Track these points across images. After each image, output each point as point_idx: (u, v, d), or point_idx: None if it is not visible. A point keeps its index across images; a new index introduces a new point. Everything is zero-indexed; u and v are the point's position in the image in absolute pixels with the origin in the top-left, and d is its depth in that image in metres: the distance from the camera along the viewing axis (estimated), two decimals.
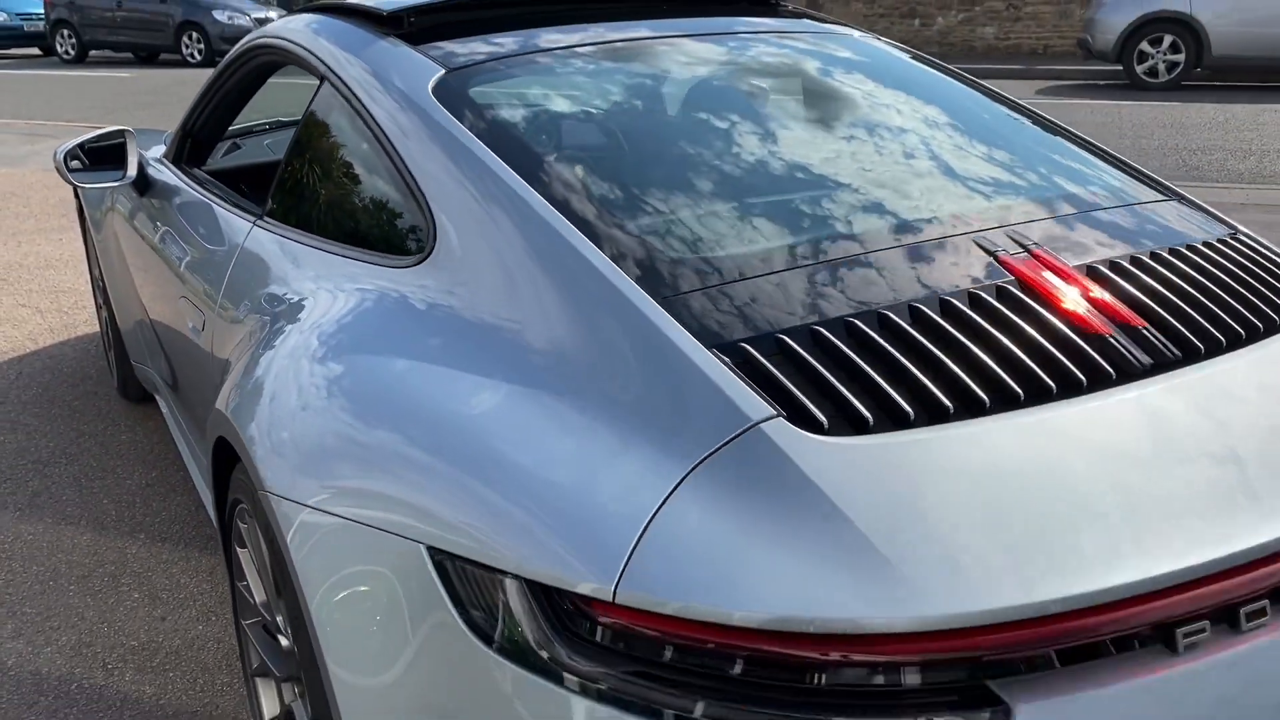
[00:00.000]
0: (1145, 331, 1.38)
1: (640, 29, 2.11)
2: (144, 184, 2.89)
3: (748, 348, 1.28)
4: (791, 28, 2.30)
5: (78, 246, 5.82)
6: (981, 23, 14.91)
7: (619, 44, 2.03)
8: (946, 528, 1.08)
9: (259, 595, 1.79)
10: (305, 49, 2.17)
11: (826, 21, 2.46)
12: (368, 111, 1.86)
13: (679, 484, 1.15)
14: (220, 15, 17.04)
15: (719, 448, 1.17)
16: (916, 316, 1.35)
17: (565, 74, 1.92)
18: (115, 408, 3.72)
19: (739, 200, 1.60)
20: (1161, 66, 11.10)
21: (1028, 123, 2.07)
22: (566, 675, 1.10)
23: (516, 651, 1.14)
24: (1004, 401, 1.24)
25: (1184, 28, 10.82)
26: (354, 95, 1.92)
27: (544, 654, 1.12)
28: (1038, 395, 1.25)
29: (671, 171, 1.65)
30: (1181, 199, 1.86)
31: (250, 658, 1.91)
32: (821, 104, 1.94)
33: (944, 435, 1.18)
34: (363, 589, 1.30)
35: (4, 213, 6.72)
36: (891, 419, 1.20)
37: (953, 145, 1.87)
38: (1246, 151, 7.87)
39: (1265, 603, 1.12)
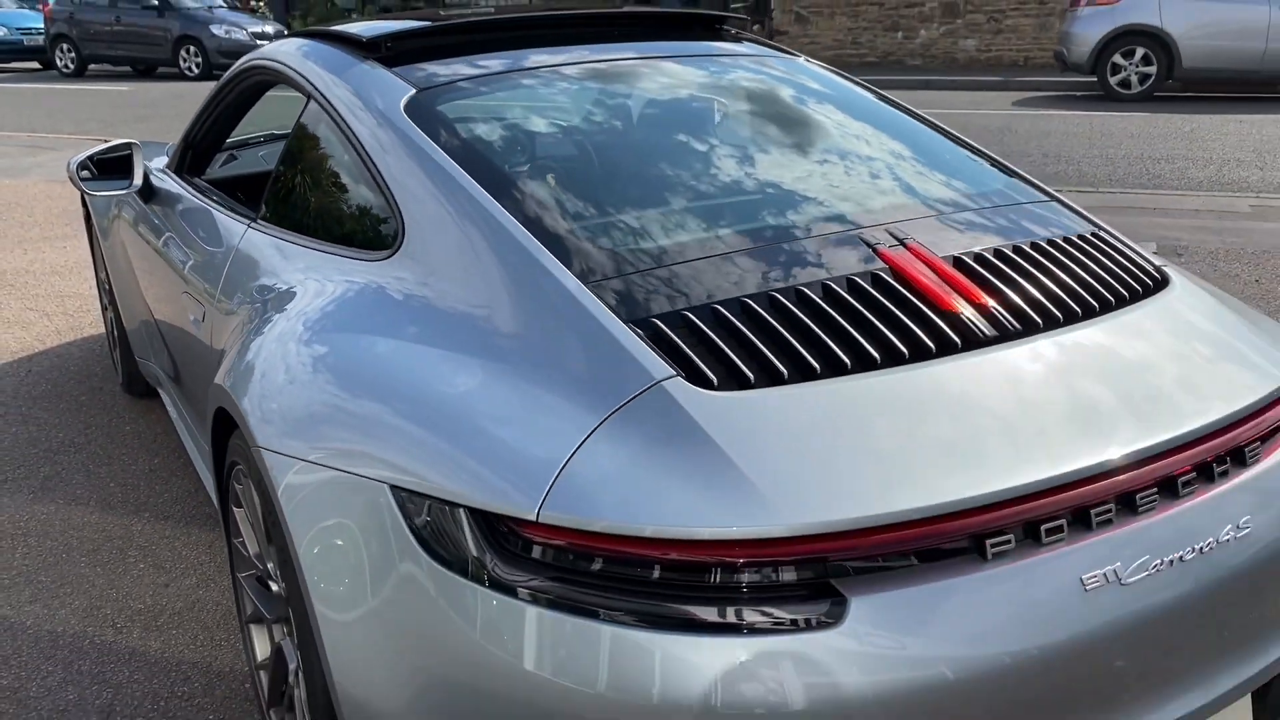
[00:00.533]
0: (992, 309, 1.65)
1: (592, 53, 2.38)
2: (149, 192, 3.16)
3: (657, 322, 1.55)
4: (734, 51, 2.58)
5: (82, 254, 6.08)
6: (963, 35, 15.24)
7: (571, 66, 2.30)
8: (804, 460, 1.35)
9: (253, 548, 2.05)
10: (294, 70, 2.44)
11: (768, 46, 2.73)
12: (348, 126, 2.13)
13: (594, 430, 1.41)
14: (218, 30, 17.34)
15: (628, 401, 1.44)
16: (800, 298, 1.62)
17: (520, 93, 2.19)
18: (120, 402, 3.99)
19: (661, 200, 1.87)
20: (1134, 78, 11.41)
21: (931, 134, 2.34)
22: (505, 585, 1.36)
23: (465, 568, 1.40)
24: (863, 364, 1.50)
25: (1155, 41, 11.13)
26: (336, 112, 2.19)
27: (487, 568, 1.38)
28: (892, 359, 1.52)
29: (606, 176, 1.92)
30: (1057, 200, 2.13)
31: (245, 607, 2.17)
32: (745, 119, 2.22)
33: (810, 390, 1.45)
34: (339, 526, 1.56)
35: (10, 222, 6.99)
36: (770, 377, 1.47)
37: (859, 155, 2.15)
38: (1207, 160, 8.16)
39: (1063, 522, 1.38)
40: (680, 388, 1.45)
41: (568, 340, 1.56)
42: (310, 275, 2.05)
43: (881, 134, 2.27)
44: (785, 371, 1.48)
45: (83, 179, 3.15)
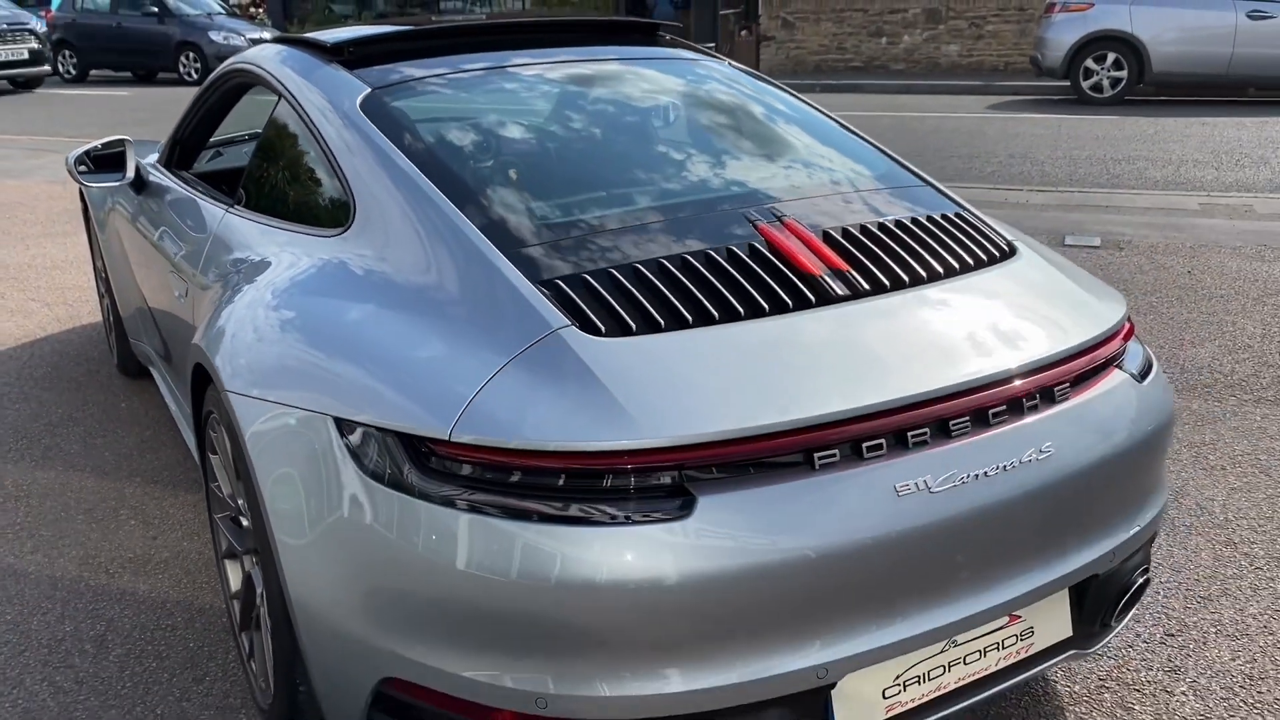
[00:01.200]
0: (847, 273, 1.94)
1: (530, 56, 2.67)
2: (140, 184, 3.46)
3: (560, 282, 1.85)
4: (662, 55, 2.87)
5: (80, 249, 6.38)
6: (945, 41, 15.54)
7: (509, 68, 2.60)
8: (668, 390, 1.64)
9: (226, 489, 2.34)
10: (268, 72, 2.74)
11: (696, 51, 3.02)
12: (311, 121, 2.43)
13: (501, 369, 1.71)
14: (216, 36, 17.66)
15: (530, 346, 1.74)
16: (684, 263, 1.92)
17: (461, 91, 2.49)
18: (115, 382, 4.29)
19: (573, 181, 2.17)
20: (1106, 82, 11.72)
21: (829, 128, 2.64)
22: (428, 495, 1.65)
23: (393, 483, 1.69)
24: (729, 316, 1.80)
25: (1126, 46, 11.44)
26: (302, 108, 2.49)
27: (411, 482, 1.67)
28: (754, 313, 1.82)
29: (527, 161, 2.22)
30: (930, 185, 2.43)
31: (220, 545, 2.47)
32: (659, 112, 2.52)
33: (680, 336, 1.75)
34: (292, 455, 1.85)
35: (13, 220, 7.30)
36: (649, 326, 1.77)
37: (758, 145, 2.45)
38: (1166, 161, 8.46)
39: (882, 441, 1.68)
40: (573, 335, 1.74)
41: (484, 297, 1.86)
42: (275, 251, 2.35)
43: (783, 128, 2.58)
44: (662, 321, 1.77)
45: (80, 172, 3.45)
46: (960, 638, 1.81)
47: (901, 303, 1.91)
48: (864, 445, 1.67)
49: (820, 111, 2.77)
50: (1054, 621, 1.93)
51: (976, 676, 1.86)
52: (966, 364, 1.78)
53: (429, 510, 1.64)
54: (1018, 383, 1.81)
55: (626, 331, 1.76)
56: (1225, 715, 2.25)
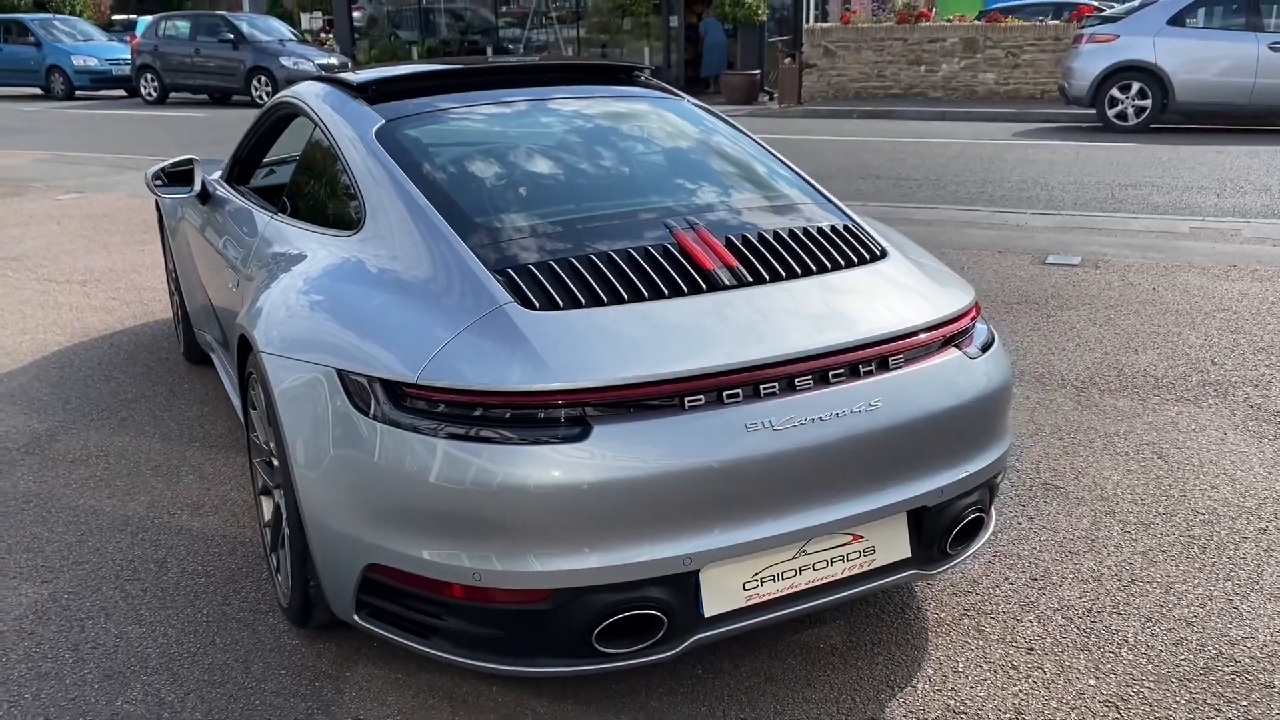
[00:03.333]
0: (736, 268, 2.50)
1: (521, 95, 3.27)
2: (205, 196, 4.12)
3: (510, 270, 2.43)
4: (632, 93, 3.45)
5: (155, 255, 7.13)
6: (982, 69, 15.96)
7: (495, 104, 3.20)
8: (579, 350, 2.21)
9: (261, 436, 2.96)
10: (307, 105, 3.37)
11: (664, 91, 3.59)
12: (338, 145, 3.05)
13: (458, 333, 2.29)
14: (286, 61, 18.68)
15: (481, 316, 2.32)
16: (609, 258, 2.48)
17: (458, 123, 3.10)
18: (181, 367, 4.97)
19: (535, 194, 2.77)
20: (1130, 111, 12.08)
21: (758, 156, 3.19)
22: (403, 425, 2.23)
23: (378, 417, 2.28)
24: (637, 298, 2.36)
25: (1150, 76, 11.80)
26: (331, 135, 3.11)
27: (391, 416, 2.25)
28: (656, 295, 2.38)
29: (502, 178, 2.82)
30: (831, 202, 2.96)
31: (256, 483, 3.08)
32: (615, 139, 3.10)
33: (597, 311, 2.32)
34: (306, 400, 2.45)
35: (98, 230, 8.10)
36: (574, 304, 2.34)
37: (690, 168, 3.03)
38: (1171, 187, 8.84)
39: (739, 391, 2.22)
40: (513, 309, 2.32)
41: (453, 281, 2.44)
42: (304, 247, 2.97)
43: (718, 155, 3.15)
44: (583, 300, 2.35)
45: (156, 185, 4.13)
46: (810, 548, 2.35)
47: (773, 291, 2.46)
48: (724, 394, 2.22)
49: (757, 143, 3.32)
50: (893, 543, 2.46)
51: (824, 581, 2.39)
52: (811, 336, 2.33)
53: (402, 437, 2.23)
54: (852, 353, 2.34)
55: (555, 307, 2.34)
56: (1059, 635, 2.74)
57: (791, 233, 2.71)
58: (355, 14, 23.58)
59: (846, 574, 2.42)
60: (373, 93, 3.22)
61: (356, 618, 2.44)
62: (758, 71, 18.03)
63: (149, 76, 20.07)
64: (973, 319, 2.64)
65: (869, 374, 2.37)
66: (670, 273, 2.46)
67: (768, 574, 2.33)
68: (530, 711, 2.50)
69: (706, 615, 2.29)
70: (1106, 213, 7.96)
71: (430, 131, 3.05)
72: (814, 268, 2.59)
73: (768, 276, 2.51)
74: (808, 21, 18.29)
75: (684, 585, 2.24)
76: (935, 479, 2.45)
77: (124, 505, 3.59)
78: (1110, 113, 12.19)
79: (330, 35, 23.62)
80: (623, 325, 2.29)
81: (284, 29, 20.73)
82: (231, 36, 19.20)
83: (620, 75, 3.63)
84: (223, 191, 4.04)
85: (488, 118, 3.15)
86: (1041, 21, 16.08)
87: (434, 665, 2.64)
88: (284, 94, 3.68)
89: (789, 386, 2.29)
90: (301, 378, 2.48)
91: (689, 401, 2.21)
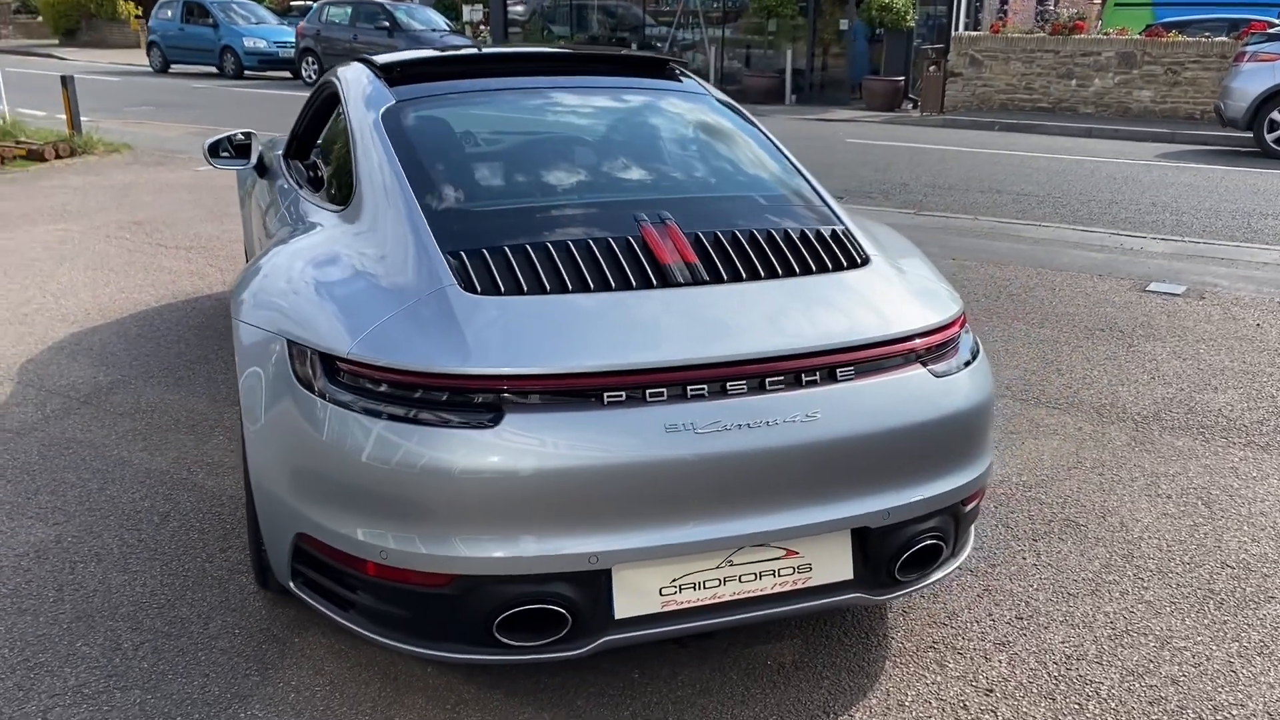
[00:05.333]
0: (694, 266, 2.42)
1: (538, 82, 3.26)
2: (263, 169, 4.27)
3: (462, 253, 2.42)
4: (656, 85, 3.40)
5: None
6: (1138, 86, 15.14)
7: (514, 91, 3.20)
8: (505, 337, 2.18)
9: None
10: (340, 83, 3.45)
11: (695, 82, 3.52)
12: (350, 124, 3.11)
13: (398, 310, 2.30)
14: (438, 47, 19.23)
15: (423, 296, 2.31)
16: (565, 246, 2.44)
17: (464, 106, 3.11)
18: None
19: (514, 181, 2.75)
20: None
21: (768, 156, 3.08)
22: (333, 399, 2.25)
23: (311, 388, 2.30)
24: (582, 288, 2.32)
25: None
26: (348, 114, 3.17)
27: (323, 388, 2.27)
28: (603, 287, 2.33)
29: (486, 164, 2.81)
30: (829, 208, 2.83)
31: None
32: (621, 131, 3.06)
33: (533, 299, 2.28)
34: (259, 364, 2.50)
35: (220, 201, 8.51)
36: (515, 290, 2.31)
37: (688, 161, 2.95)
38: None
39: (664, 390, 2.15)
40: (454, 291, 2.31)
41: (409, 261, 2.45)
42: (308, 220, 3.04)
43: (719, 151, 3.06)
44: (526, 287, 2.32)
45: (222, 157, 4.31)
46: (737, 558, 2.26)
47: (726, 292, 2.38)
48: (646, 392, 2.16)
49: (772, 143, 3.22)
50: (833, 563, 2.34)
51: (752, 595, 2.30)
52: (750, 341, 2.24)
53: (328, 409, 2.24)
54: (792, 361, 2.24)
55: (496, 291, 2.31)
56: (1025, 680, 2.57)
57: (769, 234, 2.61)
58: (518, 7, 24.07)
59: (778, 590, 2.32)
60: (395, 75, 3.27)
61: (292, 585, 2.48)
62: (902, 78, 17.57)
63: (309, 59, 20.95)
64: (948, 335, 2.49)
65: (812, 384, 2.27)
66: (623, 265, 2.40)
67: (688, 581, 2.25)
68: (456, 695, 2.50)
69: (618, 617, 2.23)
70: (1235, 243, 7.44)
71: (432, 115, 3.07)
72: (780, 271, 2.49)
73: (726, 277, 2.43)
74: (956, 29, 17.71)
75: (593, 584, 2.19)
76: (880, 500, 2.32)
77: (151, 459, 3.76)
78: (1269, 137, 11.38)
79: (485, 27, 24.21)
80: (557, 315, 2.25)
81: (438, 19, 21.35)
82: (387, 24, 19.90)
83: (652, 68, 3.58)
84: (277, 164, 4.18)
85: (494, 104, 3.15)
86: (1207, 37, 15.13)
87: None
88: (330, 73, 3.77)
89: (720, 390, 2.20)
90: (258, 341, 2.53)
91: (608, 397, 2.15)
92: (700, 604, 2.27)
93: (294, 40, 21.63)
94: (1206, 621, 2.81)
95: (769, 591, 2.31)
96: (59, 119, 11.62)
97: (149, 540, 3.19)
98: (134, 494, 3.48)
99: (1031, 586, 2.97)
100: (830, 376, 2.29)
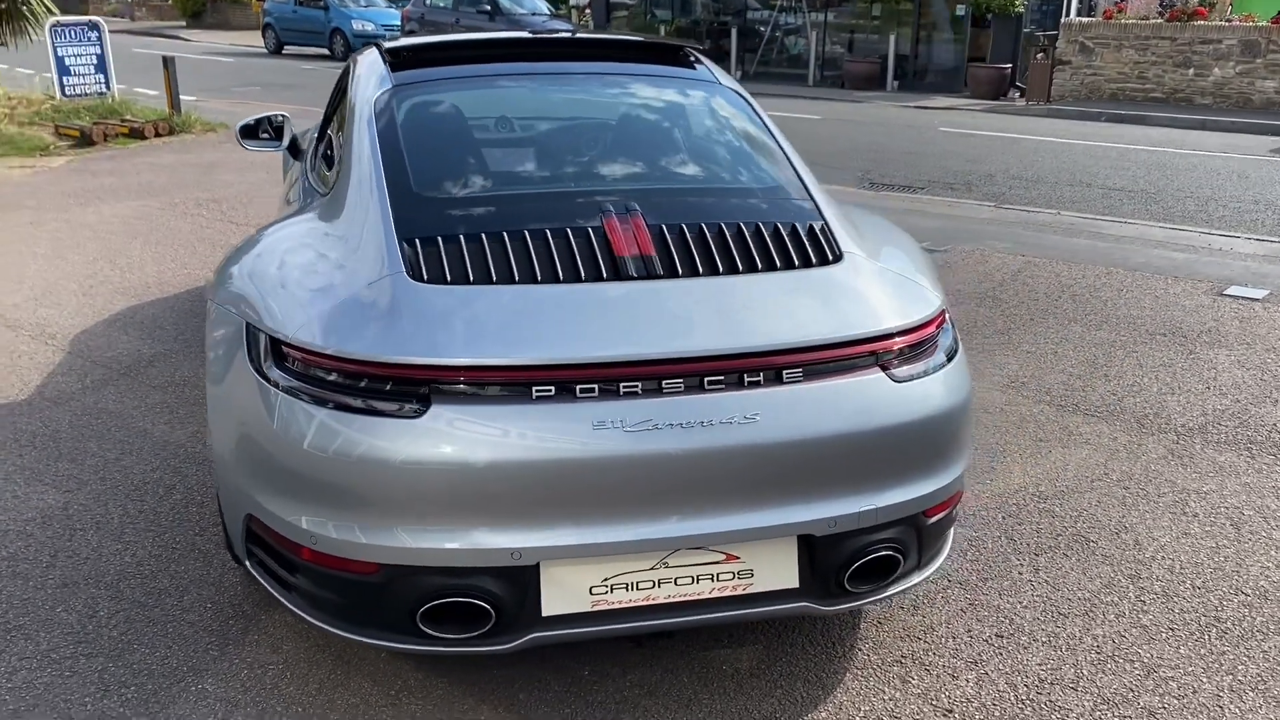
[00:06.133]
0: (650, 259, 2.36)
1: (538, 68, 3.22)
2: (295, 150, 4.34)
3: (416, 240, 2.40)
4: (662, 74, 3.32)
5: None
6: (1261, 76, 14.30)
7: (513, 77, 3.17)
8: (440, 325, 2.16)
9: None
10: (352, 66, 3.47)
11: (709, 70, 3.43)
12: (349, 106, 3.12)
13: (345, 297, 2.29)
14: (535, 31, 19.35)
15: (371, 283, 2.31)
16: (520, 236, 2.40)
17: (457, 91, 3.09)
18: None
19: (485, 168, 2.71)
20: None
21: (766, 149, 2.96)
22: (275, 382, 2.26)
23: (259, 372, 2.32)
24: (528, 279, 2.27)
25: None
26: (352, 96, 3.19)
27: (269, 373, 2.29)
28: (551, 279, 2.28)
29: (467, 151, 2.79)
30: (814, 205, 2.71)
31: None
32: (610, 119, 3.00)
33: (480, 288, 2.25)
34: (223, 344, 2.52)
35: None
36: (462, 279, 2.28)
37: (675, 152, 2.87)
38: None
39: (595, 386, 2.10)
40: (400, 279, 2.29)
41: (367, 246, 2.44)
42: (304, 200, 3.07)
43: (711, 141, 2.98)
44: (473, 276, 2.29)
45: (263, 139, 4.39)
46: (673, 560, 2.20)
47: (675, 287, 2.30)
48: (577, 387, 2.11)
49: (770, 133, 3.10)
50: (776, 569, 2.26)
51: (689, 598, 2.23)
52: (690, 338, 2.16)
53: (268, 391, 2.25)
54: (733, 361, 2.16)
55: (442, 281, 2.29)
56: (990, 702, 2.44)
57: (738, 228, 2.51)
58: None
59: (716, 594, 2.25)
60: (401, 59, 3.27)
61: (248, 564, 2.51)
62: (1009, 66, 16.97)
63: None
64: (917, 338, 2.37)
65: (755, 385, 2.18)
66: (576, 258, 2.35)
67: (619, 581, 2.20)
68: (401, 681, 2.50)
69: (545, 614, 2.19)
70: None
71: (422, 100, 3.06)
72: (741, 267, 2.40)
73: (682, 271, 2.36)
74: (1068, 14, 17.01)
75: (520, 580, 2.16)
76: (825, 507, 2.23)
77: (171, 432, 3.86)
78: None
79: (589, 11, 24.27)
80: (495, 306, 2.22)
81: (541, 3, 21.50)
82: (489, 7, 20.12)
83: (665, 54, 3.50)
84: (308, 147, 4.24)
85: (489, 90, 3.13)
86: None
87: None
88: (352, 55, 3.81)
89: (655, 388, 2.14)
90: (223, 321, 2.56)
91: (536, 391, 2.11)
92: (633, 605, 2.22)
93: (400, 23, 22.04)
94: (1203, 651, 2.63)
95: (707, 596, 2.25)
96: None
97: (149, 511, 3.28)
98: (147, 465, 3.58)
99: (1020, 603, 2.83)
100: (776, 378, 2.20)
